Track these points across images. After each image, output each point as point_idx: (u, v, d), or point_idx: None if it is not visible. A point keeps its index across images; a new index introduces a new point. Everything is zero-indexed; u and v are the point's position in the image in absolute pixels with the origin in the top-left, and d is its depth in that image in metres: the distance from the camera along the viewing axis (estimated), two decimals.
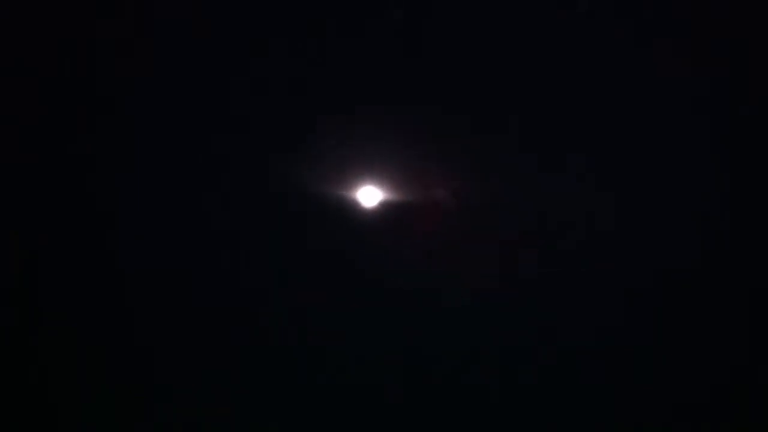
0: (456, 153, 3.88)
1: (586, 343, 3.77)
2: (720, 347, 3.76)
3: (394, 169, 3.88)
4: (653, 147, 3.87)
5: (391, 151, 3.89)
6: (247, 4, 3.91)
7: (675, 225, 3.83)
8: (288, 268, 3.86)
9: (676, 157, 3.86)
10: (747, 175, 3.84)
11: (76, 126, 3.97)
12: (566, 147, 3.86)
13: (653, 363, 3.76)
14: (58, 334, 3.87)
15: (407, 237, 3.86)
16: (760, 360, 3.76)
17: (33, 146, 3.96)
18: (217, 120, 3.93)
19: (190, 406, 3.78)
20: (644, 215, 3.83)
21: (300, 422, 3.79)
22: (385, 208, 3.86)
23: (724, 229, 3.82)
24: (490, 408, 3.76)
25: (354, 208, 3.86)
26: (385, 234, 3.86)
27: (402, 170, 3.88)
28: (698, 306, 3.79)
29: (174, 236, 3.88)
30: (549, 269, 3.80)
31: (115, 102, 3.96)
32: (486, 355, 3.78)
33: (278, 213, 3.88)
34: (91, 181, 3.95)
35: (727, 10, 3.87)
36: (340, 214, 3.85)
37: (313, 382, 3.80)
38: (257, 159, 3.90)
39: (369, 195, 3.86)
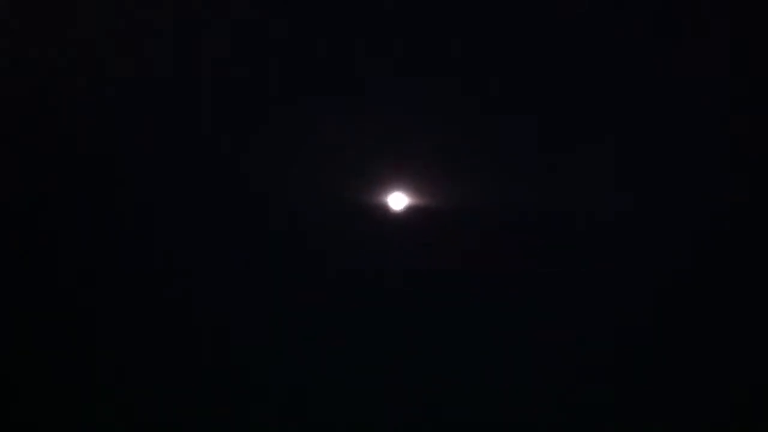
0: (463, 155, 3.90)
1: (588, 344, 3.77)
2: (720, 347, 3.75)
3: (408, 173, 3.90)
4: (653, 147, 3.87)
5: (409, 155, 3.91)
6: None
7: (675, 225, 3.83)
8: (310, 271, 3.87)
9: (678, 156, 3.86)
10: (749, 174, 3.84)
11: (76, 128, 3.99)
12: (575, 146, 3.86)
13: (653, 363, 3.76)
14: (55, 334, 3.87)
15: (422, 239, 3.87)
16: (760, 360, 3.75)
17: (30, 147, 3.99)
18: (238, 125, 3.94)
19: (189, 406, 3.78)
20: (645, 215, 3.83)
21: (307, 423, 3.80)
22: (396, 212, 3.87)
23: (726, 229, 3.81)
24: (494, 407, 3.76)
25: (368, 212, 3.87)
26: (400, 237, 3.87)
27: (416, 174, 3.89)
28: (699, 306, 3.78)
29: (189, 238, 3.89)
30: (550, 269, 3.80)
31: (124, 100, 3.97)
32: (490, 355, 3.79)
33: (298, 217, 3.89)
34: (94, 180, 3.96)
35: (727, 10, 3.88)
36: (355, 218, 3.87)
37: (325, 382, 3.80)
38: (279, 163, 3.91)
39: (382, 199, 3.88)
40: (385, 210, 3.87)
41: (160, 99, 3.94)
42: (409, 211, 3.86)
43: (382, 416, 3.76)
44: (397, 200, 3.87)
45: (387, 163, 3.89)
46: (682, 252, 3.80)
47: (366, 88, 3.91)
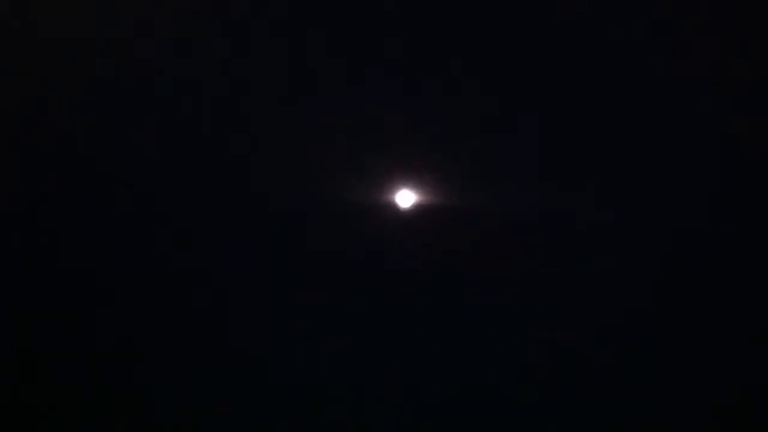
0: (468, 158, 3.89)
1: (589, 343, 3.77)
2: (719, 347, 3.75)
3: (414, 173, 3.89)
4: (652, 148, 3.87)
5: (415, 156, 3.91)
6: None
7: (675, 226, 3.83)
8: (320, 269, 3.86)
9: (677, 156, 3.86)
10: (748, 175, 3.84)
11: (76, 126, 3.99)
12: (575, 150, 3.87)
13: (653, 363, 3.75)
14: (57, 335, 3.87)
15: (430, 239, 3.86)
16: (759, 360, 3.75)
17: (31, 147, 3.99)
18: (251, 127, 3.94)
19: (192, 406, 3.78)
20: (646, 216, 3.82)
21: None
22: (405, 211, 3.86)
23: (725, 230, 3.81)
24: (495, 407, 3.75)
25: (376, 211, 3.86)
26: (407, 236, 3.86)
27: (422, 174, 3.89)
28: (698, 307, 3.78)
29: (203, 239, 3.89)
30: (555, 269, 3.79)
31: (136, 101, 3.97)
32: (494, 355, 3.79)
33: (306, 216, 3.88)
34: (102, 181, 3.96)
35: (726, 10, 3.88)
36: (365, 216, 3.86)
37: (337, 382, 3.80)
38: (283, 162, 3.90)
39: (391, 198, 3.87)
40: (392, 208, 3.86)
41: (161, 99, 3.94)
42: (417, 209, 3.86)
43: (383, 416, 3.76)
44: (405, 198, 3.87)
45: (394, 161, 3.88)
46: (681, 253, 3.80)
47: (374, 86, 3.91)
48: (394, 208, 3.87)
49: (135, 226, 3.91)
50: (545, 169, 3.85)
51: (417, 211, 3.85)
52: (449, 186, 3.85)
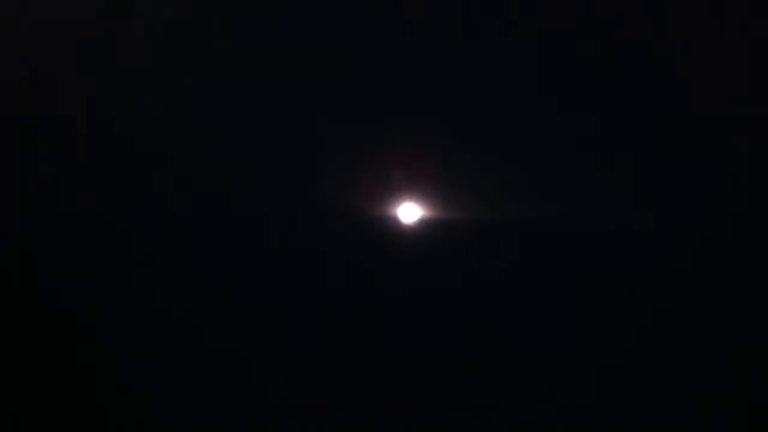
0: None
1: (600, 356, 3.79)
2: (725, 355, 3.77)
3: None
4: (654, 149, 3.87)
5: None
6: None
7: (673, 227, 3.83)
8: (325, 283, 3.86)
9: (676, 158, 3.86)
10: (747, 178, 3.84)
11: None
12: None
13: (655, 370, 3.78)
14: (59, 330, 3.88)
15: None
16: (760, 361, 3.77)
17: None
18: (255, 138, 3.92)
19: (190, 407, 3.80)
20: (662, 226, 3.82)
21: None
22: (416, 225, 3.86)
23: (725, 229, 3.81)
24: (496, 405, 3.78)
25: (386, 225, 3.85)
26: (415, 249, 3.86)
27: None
28: (708, 317, 3.79)
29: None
30: (564, 282, 3.79)
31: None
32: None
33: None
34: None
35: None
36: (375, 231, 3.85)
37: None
38: (284, 173, 3.89)
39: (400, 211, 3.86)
40: (395, 222, 3.85)
41: (166, 104, 3.93)
42: (421, 224, 3.85)
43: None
44: (409, 212, 3.86)
45: (397, 172, 3.86)
46: (690, 258, 3.80)
47: (378, 96, 3.89)
48: (396, 222, 3.86)
49: (142, 235, 3.92)
50: (560, 182, 3.83)
51: (421, 225, 3.84)
52: (454, 199, 3.83)
